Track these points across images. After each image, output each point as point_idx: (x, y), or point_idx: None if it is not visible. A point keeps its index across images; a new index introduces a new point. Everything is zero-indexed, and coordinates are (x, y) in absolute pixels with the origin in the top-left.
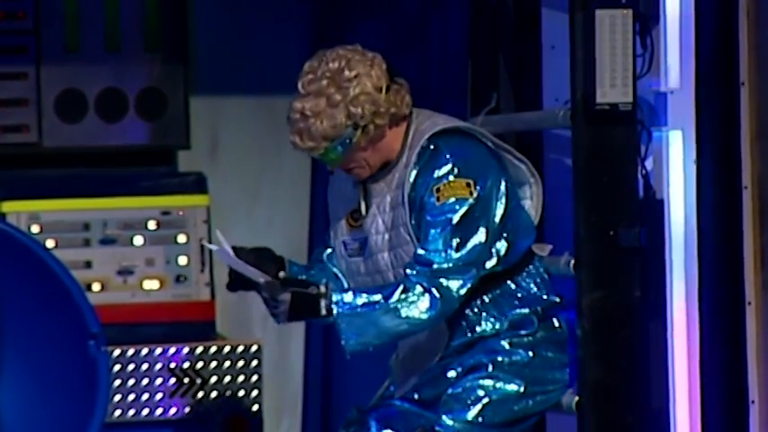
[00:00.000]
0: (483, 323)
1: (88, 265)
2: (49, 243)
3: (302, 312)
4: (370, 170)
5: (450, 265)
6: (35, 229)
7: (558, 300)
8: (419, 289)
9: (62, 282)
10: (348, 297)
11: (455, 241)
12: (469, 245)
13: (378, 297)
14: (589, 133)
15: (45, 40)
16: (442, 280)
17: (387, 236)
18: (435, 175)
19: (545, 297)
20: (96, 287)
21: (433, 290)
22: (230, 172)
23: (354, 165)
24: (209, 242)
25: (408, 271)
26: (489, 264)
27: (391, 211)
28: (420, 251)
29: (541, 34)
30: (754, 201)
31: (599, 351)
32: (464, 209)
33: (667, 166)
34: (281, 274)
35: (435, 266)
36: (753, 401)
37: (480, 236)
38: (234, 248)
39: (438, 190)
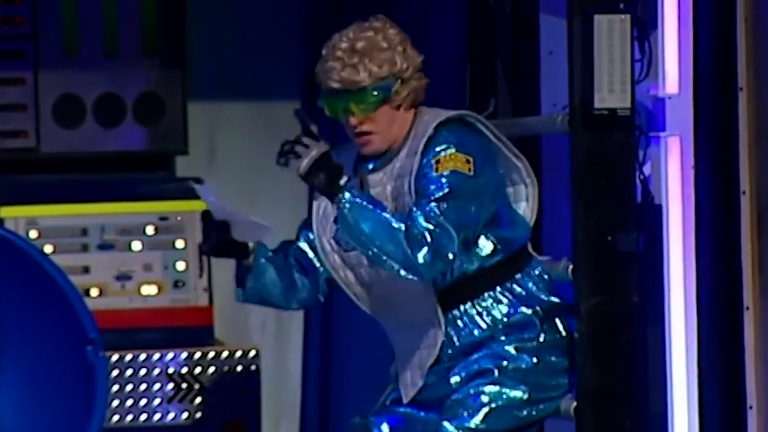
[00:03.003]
0: (484, 322)
1: (86, 270)
2: (47, 248)
3: (322, 168)
4: (379, 145)
5: (443, 220)
6: (33, 234)
7: (557, 300)
8: (421, 232)
9: (60, 287)
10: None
11: (446, 204)
12: (461, 211)
13: (388, 214)
14: (587, 138)
15: (43, 45)
16: (438, 230)
17: None
18: (435, 151)
19: (545, 298)
20: (94, 292)
21: (431, 238)
22: (228, 177)
23: (372, 129)
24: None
25: (414, 216)
26: (486, 251)
27: (393, 201)
28: (415, 207)
29: (540, 39)
30: (752, 206)
31: (597, 356)
32: (461, 181)
33: (665, 172)
34: (250, 259)
35: (432, 218)
36: (751, 407)
37: (472, 208)
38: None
39: (438, 161)
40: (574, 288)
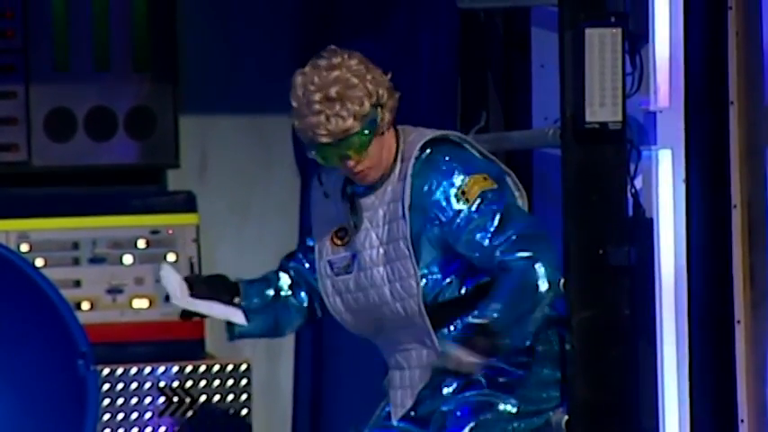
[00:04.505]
0: None
1: (77, 284)
2: (39, 262)
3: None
4: (376, 175)
5: (523, 241)
6: (24, 248)
7: (549, 313)
8: (525, 265)
9: (51, 301)
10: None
11: (507, 224)
12: (519, 217)
13: (502, 288)
14: (578, 152)
15: (34, 58)
16: (532, 247)
17: (381, 250)
18: (449, 184)
19: None
20: (85, 306)
21: (534, 257)
22: (219, 190)
23: (369, 164)
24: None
25: (501, 259)
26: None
27: (386, 225)
28: (498, 254)
29: (531, 53)
30: (744, 220)
31: (589, 370)
32: (497, 197)
33: (657, 185)
34: (237, 300)
35: (513, 247)
36: (742, 420)
37: (519, 208)
38: (187, 279)
39: (463, 193)
40: (565, 301)
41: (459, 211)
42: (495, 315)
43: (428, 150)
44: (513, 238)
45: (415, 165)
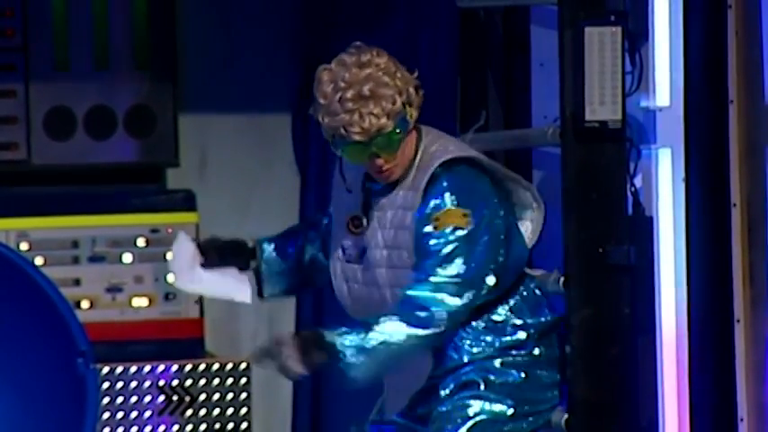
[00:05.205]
0: (477, 350)
1: (77, 282)
2: (38, 261)
3: (308, 351)
4: (400, 172)
5: (446, 281)
6: (24, 246)
7: (551, 318)
8: (419, 305)
9: (51, 299)
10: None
11: (450, 265)
12: (466, 266)
13: (377, 328)
14: (578, 151)
15: (34, 57)
16: (440, 295)
17: (385, 252)
18: (432, 204)
19: (538, 319)
20: (85, 305)
21: (432, 306)
22: (219, 189)
23: (396, 162)
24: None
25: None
26: (481, 292)
27: (392, 229)
28: (415, 275)
29: (530, 52)
30: (743, 218)
31: (588, 368)
32: (460, 238)
33: (656, 184)
34: (252, 263)
35: (433, 282)
36: (742, 419)
37: (476, 261)
38: (200, 246)
39: (437, 219)
40: (565, 300)
41: (426, 230)
42: (352, 347)
43: (441, 171)
44: (432, 282)
45: (429, 179)
